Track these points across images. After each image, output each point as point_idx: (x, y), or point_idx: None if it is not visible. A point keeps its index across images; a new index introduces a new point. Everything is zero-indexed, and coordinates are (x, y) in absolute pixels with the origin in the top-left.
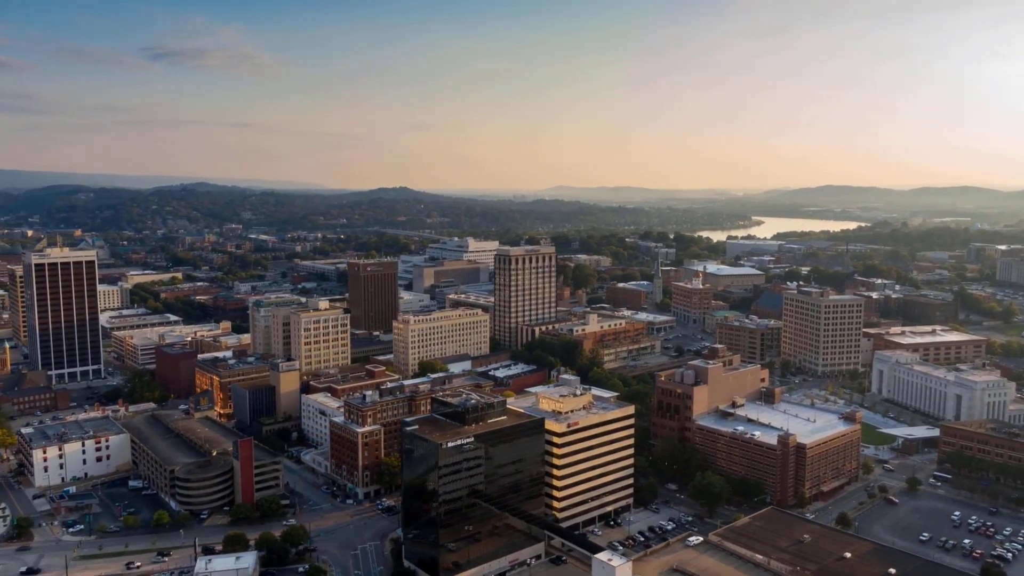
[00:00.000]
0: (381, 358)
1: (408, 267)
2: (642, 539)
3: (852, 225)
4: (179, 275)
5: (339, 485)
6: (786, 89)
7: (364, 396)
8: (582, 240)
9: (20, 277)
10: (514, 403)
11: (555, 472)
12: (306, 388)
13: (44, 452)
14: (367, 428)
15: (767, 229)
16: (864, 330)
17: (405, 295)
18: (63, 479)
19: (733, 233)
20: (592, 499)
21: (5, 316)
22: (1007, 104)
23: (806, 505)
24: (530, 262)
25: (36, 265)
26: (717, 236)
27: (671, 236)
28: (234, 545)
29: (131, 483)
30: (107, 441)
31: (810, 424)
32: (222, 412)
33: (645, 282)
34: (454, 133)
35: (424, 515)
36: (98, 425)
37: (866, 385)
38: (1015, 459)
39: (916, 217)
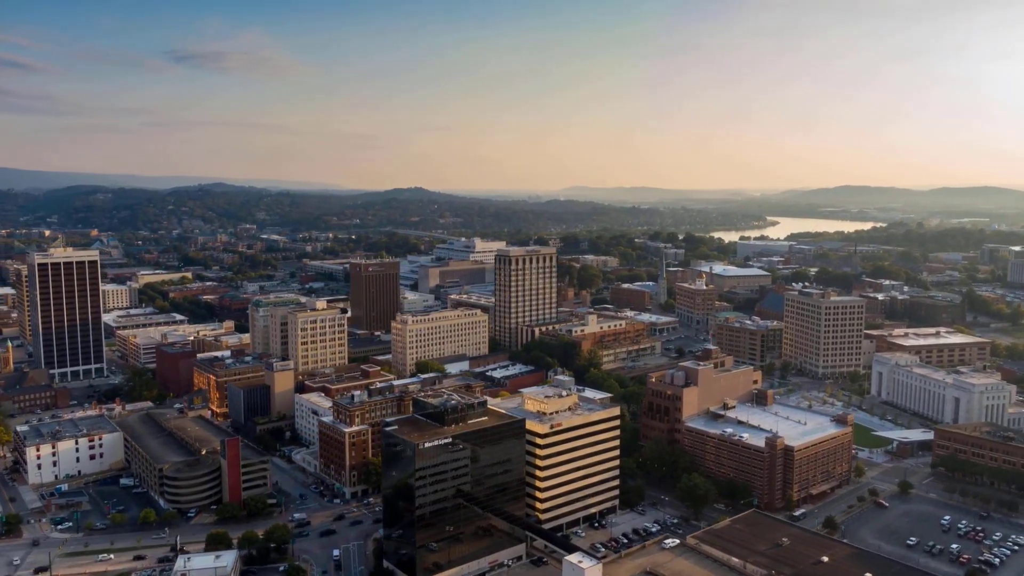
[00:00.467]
0: (380, 358)
1: (415, 267)
2: (625, 541)
3: (867, 226)
4: (189, 275)
5: (327, 485)
6: (801, 89)
7: (352, 396)
8: (591, 241)
9: (25, 277)
10: (502, 404)
11: (538, 473)
12: (301, 388)
13: (37, 450)
14: (354, 428)
15: (781, 230)
16: (867, 332)
17: (409, 295)
18: (56, 476)
19: (746, 234)
20: (576, 500)
21: (14, 315)
22: None
23: (794, 508)
24: (530, 263)
25: (39, 265)
26: (731, 237)
27: (680, 237)
28: (216, 544)
29: (122, 481)
30: (100, 439)
31: (800, 426)
32: (218, 411)
33: (651, 283)
34: (471, 134)
35: (402, 515)
36: (92, 423)
37: (866, 387)
38: (1009, 463)
39: (934, 218)
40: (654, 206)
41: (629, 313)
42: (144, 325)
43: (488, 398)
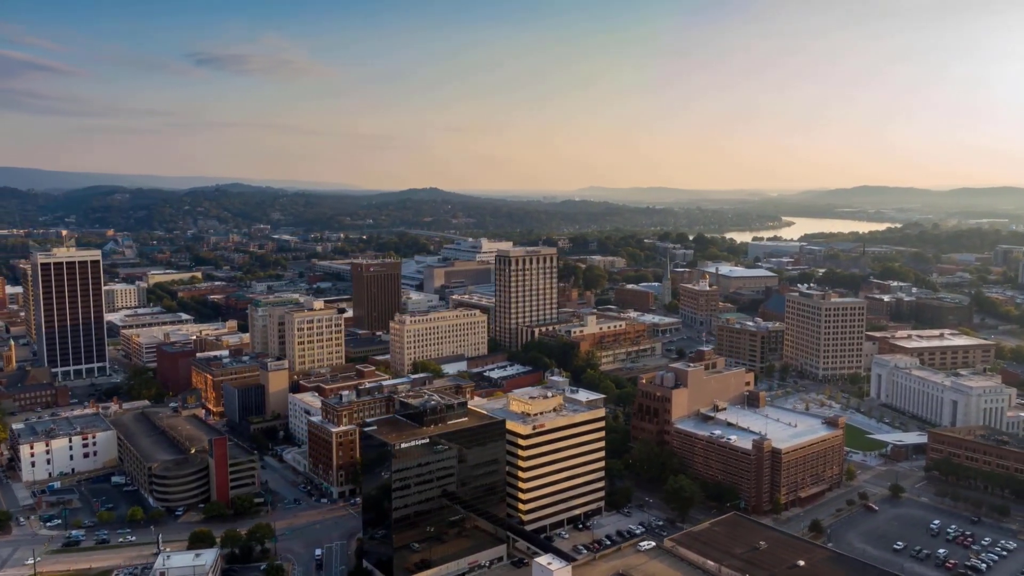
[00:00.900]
0: (380, 358)
1: (422, 268)
2: (608, 543)
3: (882, 226)
4: (199, 274)
5: (315, 484)
6: (817, 89)
7: (341, 396)
8: (599, 241)
9: (30, 276)
10: (488, 404)
11: (520, 474)
12: (296, 387)
13: (31, 447)
14: (342, 428)
15: (796, 230)
16: (869, 333)
17: (414, 295)
18: (50, 474)
19: (759, 234)
20: (560, 502)
21: (23, 314)
22: None
23: (781, 511)
24: (530, 263)
25: (42, 264)
26: (744, 237)
27: (691, 237)
28: (199, 542)
29: (114, 479)
30: (94, 438)
31: (791, 429)
32: (215, 410)
33: (656, 284)
34: (487, 135)
35: (381, 515)
36: (87, 422)
37: (866, 390)
38: (1002, 467)
39: (951, 218)
40: (669, 206)
41: (632, 314)
42: (150, 324)
43: (478, 398)
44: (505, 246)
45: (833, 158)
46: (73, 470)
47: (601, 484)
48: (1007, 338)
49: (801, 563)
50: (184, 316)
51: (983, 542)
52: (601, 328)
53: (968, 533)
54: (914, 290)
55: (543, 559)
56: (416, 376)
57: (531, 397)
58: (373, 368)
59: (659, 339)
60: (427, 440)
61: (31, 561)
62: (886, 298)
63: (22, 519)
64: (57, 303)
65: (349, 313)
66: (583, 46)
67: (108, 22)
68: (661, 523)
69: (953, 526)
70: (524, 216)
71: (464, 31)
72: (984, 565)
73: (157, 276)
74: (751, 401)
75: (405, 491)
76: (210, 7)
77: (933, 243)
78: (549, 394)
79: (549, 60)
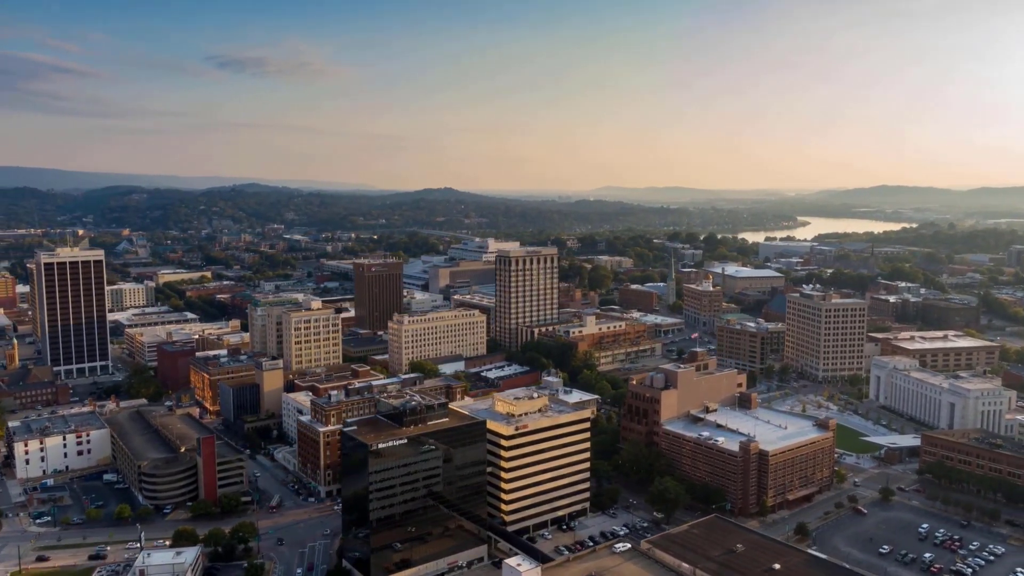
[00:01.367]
0: (379, 358)
1: (428, 267)
2: (591, 544)
3: (897, 226)
4: (208, 274)
5: (304, 483)
6: (833, 89)
7: (330, 396)
8: (608, 241)
9: (35, 276)
10: (474, 405)
11: (503, 475)
12: (291, 387)
13: (25, 445)
14: (329, 428)
15: (810, 230)
16: (872, 334)
17: (418, 295)
18: (44, 471)
19: (772, 234)
20: (543, 503)
21: (31, 313)
22: None
23: (768, 514)
24: (531, 263)
25: (45, 264)
26: (758, 237)
27: (701, 237)
28: (183, 540)
29: (106, 477)
30: (88, 436)
31: (780, 431)
32: (212, 409)
33: (662, 284)
34: (504, 135)
35: (359, 515)
36: (82, 420)
37: (865, 391)
38: (995, 471)
39: (969, 219)
40: (683, 206)
41: (635, 314)
42: (157, 323)
43: (468, 399)
44: (512, 246)
45: (851, 158)
46: (67, 467)
47: (586, 485)
48: (1014, 340)
49: (777, 566)
50: (190, 315)
51: (971, 546)
52: (600, 328)
53: (956, 537)
54: (922, 291)
55: (512, 560)
56: (406, 376)
57: (516, 398)
58: (368, 368)
59: (660, 340)
60: (405, 440)
61: (16, 559)
62: (892, 299)
63: (12, 516)
64: (60, 302)
65: (351, 313)
66: (600, 46)
67: (131, 25)
68: (646, 525)
69: (941, 530)
70: (537, 216)
71: (482, 32)
72: (969, 570)
73: (167, 275)
74: (743, 402)
75: (383, 491)
76: (230, 10)
77: (947, 243)
78: (535, 395)
79: (566, 60)
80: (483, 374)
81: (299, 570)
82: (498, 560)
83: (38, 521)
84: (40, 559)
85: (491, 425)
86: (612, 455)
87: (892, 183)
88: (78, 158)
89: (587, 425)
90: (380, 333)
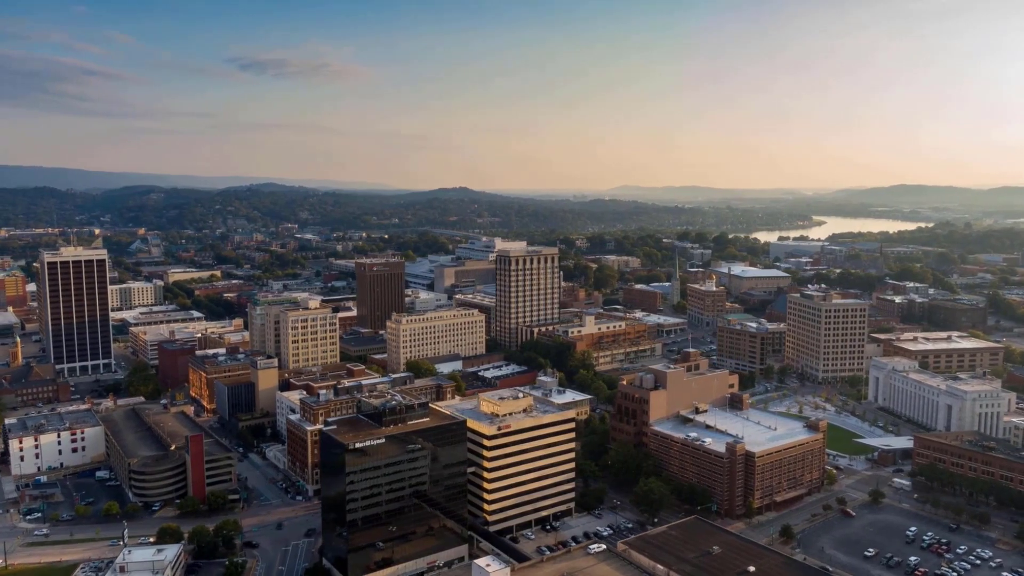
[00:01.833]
0: (379, 357)
1: (434, 267)
2: (574, 545)
3: (913, 226)
4: (218, 273)
5: (292, 481)
6: (849, 88)
7: (319, 395)
8: (617, 240)
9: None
10: (459, 405)
11: (485, 475)
12: (286, 385)
13: (20, 442)
14: (316, 426)
15: (825, 230)
16: (874, 335)
17: (423, 294)
18: (39, 468)
19: (785, 234)
20: (527, 503)
21: (39, 311)
22: None
23: (754, 515)
24: (531, 263)
25: (49, 263)
26: (772, 237)
27: (711, 237)
28: (168, 537)
29: (98, 474)
30: (82, 433)
31: (770, 432)
32: (208, 407)
33: (668, 284)
34: (521, 134)
35: (337, 514)
36: (77, 418)
37: (864, 392)
38: (988, 473)
39: (988, 218)
40: (699, 206)
41: (638, 314)
42: (163, 322)
43: (457, 398)
44: (519, 245)
45: (870, 157)
46: (62, 464)
47: (571, 486)
48: (1021, 341)
49: (752, 569)
50: (196, 314)
51: (958, 550)
52: (600, 328)
53: (944, 541)
54: (931, 291)
55: (482, 561)
56: (396, 376)
57: (500, 398)
58: (363, 367)
59: (661, 340)
60: (383, 440)
61: (2, 555)
62: (897, 299)
63: (3, 512)
64: (64, 301)
65: (354, 312)
66: (619, 47)
67: (155, 27)
68: (631, 526)
69: (929, 533)
70: (549, 215)
71: (501, 32)
72: (954, 574)
73: (177, 274)
74: (734, 403)
75: (360, 490)
76: (251, 13)
77: (962, 243)
78: (520, 395)
79: (585, 61)
80: (480, 374)
81: (281, 567)
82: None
83: (28, 517)
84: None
85: (474, 425)
86: (602, 455)
87: (911, 182)
88: (100, 158)
89: (572, 425)
90: (381, 332)
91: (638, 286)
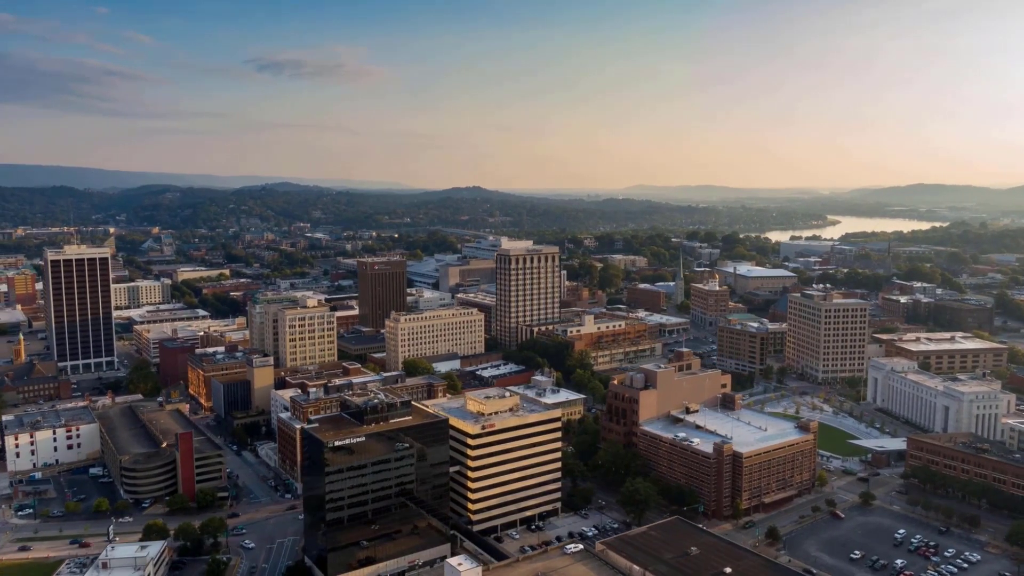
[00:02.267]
0: (379, 356)
1: (440, 266)
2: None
3: (926, 225)
4: (227, 271)
5: (282, 479)
6: (867, 85)
7: (308, 393)
8: (625, 240)
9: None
10: (447, 404)
11: (469, 474)
12: (282, 383)
13: (16, 439)
14: (304, 424)
15: (839, 229)
16: (876, 335)
17: (427, 293)
18: (34, 464)
19: (798, 233)
20: (512, 502)
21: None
22: None
23: (741, 516)
24: (531, 262)
25: (52, 261)
26: (785, 236)
27: (719, 237)
28: (154, 534)
29: (91, 471)
30: (78, 430)
31: (760, 432)
32: (206, 405)
33: (672, 283)
34: (536, 134)
35: (317, 512)
36: (73, 415)
37: (863, 393)
38: (980, 476)
39: (1006, 217)
40: (713, 205)
41: (641, 313)
42: (168, 320)
43: (447, 397)
44: (525, 244)
45: (887, 156)
46: (57, 461)
47: (557, 486)
48: None
49: (728, 570)
50: (201, 312)
51: (946, 553)
52: (599, 328)
53: (932, 544)
54: (938, 291)
55: (454, 560)
56: (388, 374)
57: (487, 397)
58: (359, 366)
59: (662, 340)
60: (362, 438)
61: None
62: (903, 299)
63: None
64: (67, 299)
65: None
66: (632, 46)
67: (175, 29)
68: (616, 526)
69: (918, 536)
70: (561, 215)
71: (516, 33)
72: None
73: (186, 273)
74: (726, 403)
75: (339, 488)
76: (268, 14)
77: (975, 243)
78: (507, 394)
79: (600, 60)
80: (478, 373)
81: (265, 565)
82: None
83: (20, 513)
84: (23, 549)
85: (458, 424)
86: (593, 455)
87: (929, 181)
88: (118, 158)
89: (558, 425)
90: (382, 331)
91: (642, 286)
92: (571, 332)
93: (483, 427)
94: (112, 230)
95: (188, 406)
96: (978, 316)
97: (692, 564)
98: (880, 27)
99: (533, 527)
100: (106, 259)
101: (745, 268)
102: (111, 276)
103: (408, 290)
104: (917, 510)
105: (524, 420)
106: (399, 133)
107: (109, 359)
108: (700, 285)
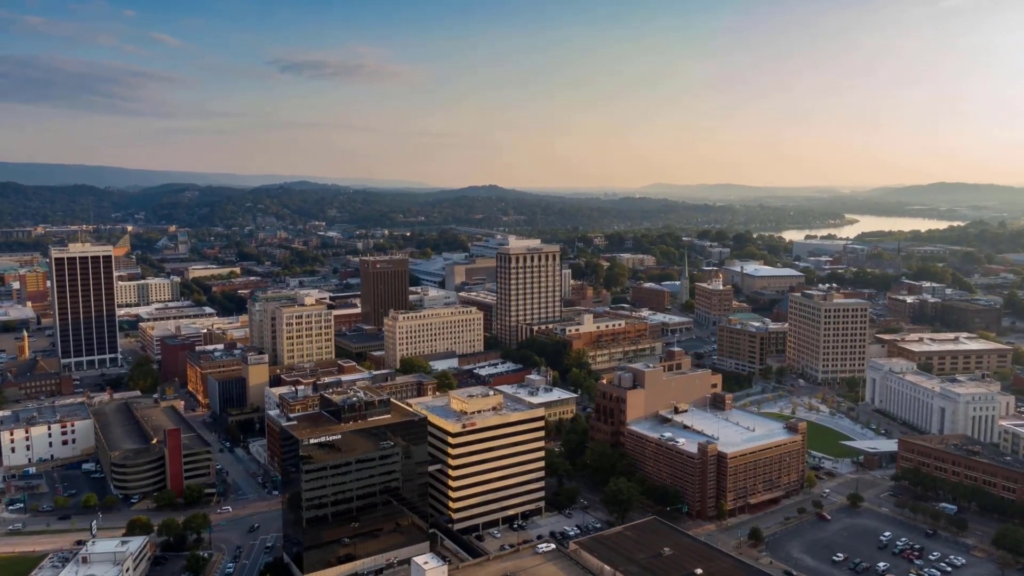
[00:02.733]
0: (377, 354)
1: (447, 264)
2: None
3: (944, 225)
4: (237, 269)
5: (270, 476)
6: (886, 83)
7: (296, 390)
8: (635, 239)
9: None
10: (431, 402)
11: (450, 472)
12: (277, 381)
13: (11, 434)
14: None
15: (856, 228)
16: (879, 336)
17: (432, 292)
18: (29, 460)
19: (815, 232)
20: (493, 501)
21: None
22: None
23: (726, 517)
24: (532, 261)
25: (56, 259)
26: (801, 235)
27: (730, 235)
28: (137, 530)
29: (84, 466)
30: (72, 426)
31: (747, 433)
32: (203, 402)
33: (678, 282)
34: (555, 132)
35: (294, 509)
36: (69, 411)
37: (861, 394)
38: (970, 478)
39: None
40: (730, 204)
41: (644, 313)
42: (175, 317)
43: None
44: (533, 243)
45: (907, 154)
46: (52, 456)
47: (540, 485)
48: None
49: (699, 572)
50: (208, 310)
51: (931, 556)
52: (598, 327)
53: (918, 547)
54: (948, 291)
55: (420, 559)
56: (378, 372)
57: (470, 395)
58: (354, 364)
59: (663, 339)
60: (339, 436)
61: None
62: (909, 299)
63: None
64: (71, 296)
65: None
66: (650, 45)
67: (201, 30)
68: (599, 525)
69: (904, 539)
70: (576, 213)
71: (535, 32)
72: None
73: (197, 271)
74: (716, 403)
75: (315, 486)
76: (289, 16)
77: (992, 242)
78: (491, 392)
79: (618, 59)
80: (476, 371)
81: (246, 561)
82: (440, 557)
83: (10, 508)
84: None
85: (439, 422)
86: (581, 455)
87: (951, 180)
88: (141, 157)
89: (541, 424)
90: (383, 329)
91: (647, 285)
92: (570, 331)
93: (464, 426)
94: (130, 228)
95: (183, 403)
96: (986, 316)
97: (663, 565)
98: (895, 25)
99: (515, 526)
100: (110, 257)
101: (752, 267)
102: (123, 273)
103: (414, 288)
104: (905, 512)
105: (506, 419)
106: (419, 132)
107: (113, 356)
108: (704, 284)
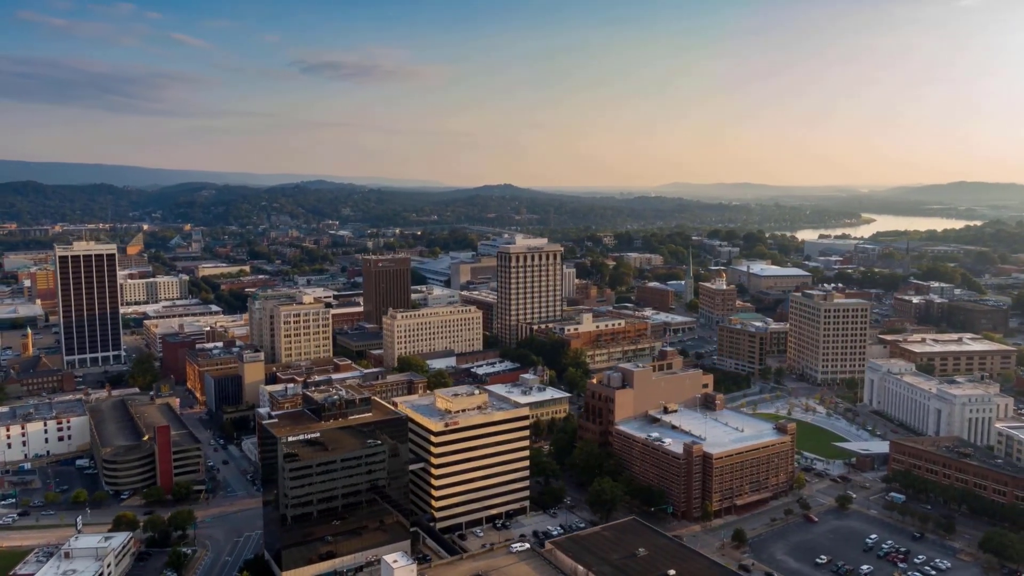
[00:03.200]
0: (377, 352)
1: (453, 263)
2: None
3: (961, 224)
4: (246, 268)
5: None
6: (904, 81)
7: (286, 388)
8: (644, 238)
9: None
10: (416, 401)
11: (432, 471)
12: (273, 379)
13: (7, 430)
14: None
15: (873, 228)
16: (881, 336)
17: (437, 290)
18: (25, 455)
19: (829, 232)
20: (477, 500)
21: None
22: None
23: (711, 518)
24: (533, 260)
25: (60, 257)
26: (815, 235)
27: (741, 234)
28: (122, 525)
29: (78, 462)
30: (68, 422)
31: (736, 433)
32: (201, 399)
33: (683, 282)
34: (573, 132)
35: (274, 507)
36: (65, 407)
37: (860, 395)
38: (961, 481)
39: None
40: (746, 203)
41: (648, 312)
42: (181, 315)
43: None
44: (532, 242)
45: (926, 153)
46: (48, 452)
47: (525, 484)
48: None
49: (672, 572)
50: (215, 308)
51: (916, 560)
52: (598, 327)
53: (903, 550)
54: (956, 291)
55: (390, 557)
56: (368, 371)
57: (455, 394)
58: (350, 362)
59: (664, 339)
60: (317, 434)
61: None
62: (915, 299)
63: None
64: (75, 294)
65: (361, 307)
66: (667, 44)
67: (224, 31)
68: (583, 525)
69: (889, 541)
70: (589, 212)
71: (553, 33)
72: None
73: (207, 269)
74: (707, 403)
75: (294, 484)
76: (311, 18)
77: (1008, 242)
78: (476, 391)
79: (636, 59)
80: (473, 370)
81: (228, 558)
82: (422, 556)
83: (2, 503)
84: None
85: (422, 421)
86: (569, 454)
87: (971, 179)
88: (160, 157)
89: (526, 423)
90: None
91: (652, 284)
92: (568, 330)
93: (447, 424)
94: (145, 227)
95: (179, 400)
96: (993, 317)
97: (637, 565)
98: (911, 25)
99: (499, 525)
100: (113, 255)
101: (759, 267)
102: (133, 271)
103: (419, 287)
104: (894, 515)
105: (490, 418)
106: (436, 132)
107: (116, 353)
108: (709, 284)
